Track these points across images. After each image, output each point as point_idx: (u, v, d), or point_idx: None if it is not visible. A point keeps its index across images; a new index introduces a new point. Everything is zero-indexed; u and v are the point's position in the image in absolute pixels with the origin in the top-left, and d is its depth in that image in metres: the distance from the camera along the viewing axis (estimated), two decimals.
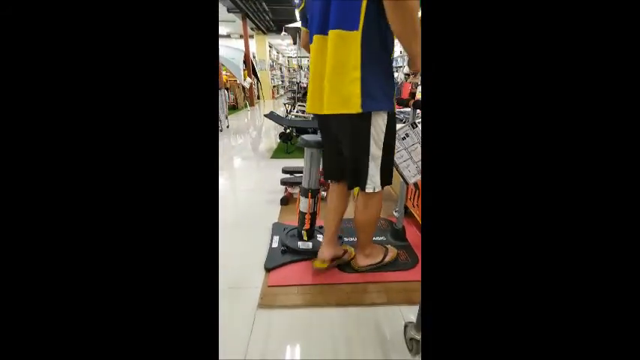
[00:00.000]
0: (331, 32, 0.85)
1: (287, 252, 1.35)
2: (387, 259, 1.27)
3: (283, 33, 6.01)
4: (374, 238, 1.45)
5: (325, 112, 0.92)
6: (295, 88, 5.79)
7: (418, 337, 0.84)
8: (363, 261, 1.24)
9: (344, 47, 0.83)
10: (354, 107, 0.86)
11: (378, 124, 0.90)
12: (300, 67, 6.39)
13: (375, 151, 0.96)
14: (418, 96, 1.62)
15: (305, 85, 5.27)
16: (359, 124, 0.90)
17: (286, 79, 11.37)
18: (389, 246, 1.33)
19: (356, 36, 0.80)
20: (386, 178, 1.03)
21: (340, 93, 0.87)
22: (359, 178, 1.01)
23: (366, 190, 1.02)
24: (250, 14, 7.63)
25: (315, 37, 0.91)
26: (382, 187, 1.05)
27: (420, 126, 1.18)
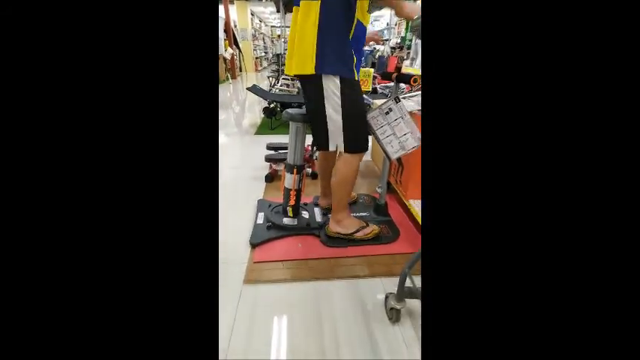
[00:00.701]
0: (302, 1, 0.98)
1: (272, 228, 1.36)
2: (360, 234, 1.27)
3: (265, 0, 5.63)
4: (358, 214, 1.49)
5: (293, 72, 1.07)
6: (276, 58, 5.56)
7: (398, 306, 0.88)
8: (333, 226, 1.29)
9: (307, 15, 0.97)
10: (309, 69, 1.00)
11: (329, 87, 1.01)
12: (279, 37, 6.09)
13: (332, 114, 1.06)
14: (404, 70, 1.59)
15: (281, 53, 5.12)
16: (313, 85, 1.03)
17: (270, 51, 10.85)
18: (371, 224, 1.32)
19: (316, 5, 0.94)
20: (353, 144, 1.10)
21: (300, 56, 1.01)
22: (320, 138, 1.14)
23: (330, 149, 1.12)
24: None
25: (294, 7, 1.04)
26: (348, 152, 1.10)
27: (402, 101, 1.16)
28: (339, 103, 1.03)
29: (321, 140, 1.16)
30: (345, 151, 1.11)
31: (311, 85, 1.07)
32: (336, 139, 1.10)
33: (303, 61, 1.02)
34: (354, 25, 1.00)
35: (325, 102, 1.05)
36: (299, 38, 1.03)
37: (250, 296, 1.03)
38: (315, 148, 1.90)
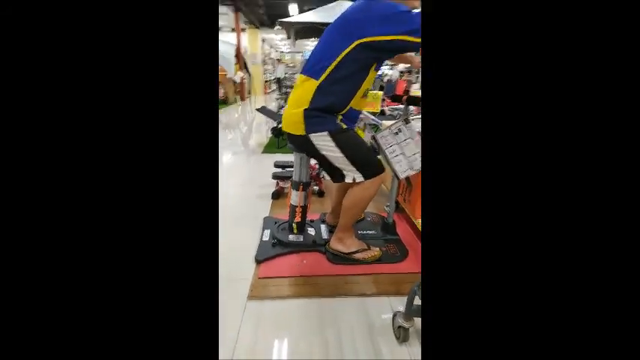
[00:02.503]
0: (300, 75, 1.12)
1: (278, 245, 1.35)
2: (359, 255, 1.26)
3: (277, 27, 5.95)
4: (366, 232, 1.48)
5: (284, 129, 1.19)
6: (277, 82, 5.77)
7: (406, 325, 0.86)
8: (334, 244, 1.29)
9: (304, 88, 1.08)
10: (300, 130, 1.10)
11: (319, 142, 1.11)
12: (279, 61, 6.33)
13: (334, 157, 1.12)
14: (412, 93, 1.64)
15: (283, 78, 5.32)
16: (304, 142, 1.13)
17: (272, 75, 11.25)
18: (374, 248, 1.30)
19: (314, 84, 1.05)
20: (367, 171, 1.13)
21: (292, 119, 1.12)
22: (335, 176, 1.20)
23: (347, 180, 1.15)
24: (242, 7, 7.51)
25: (300, 74, 1.17)
26: (366, 178, 1.13)
27: (412, 122, 1.20)
28: (337, 149, 1.09)
29: (337, 177, 1.19)
30: (366, 179, 1.13)
31: (301, 142, 1.14)
32: (352, 173, 1.13)
33: (294, 121, 1.10)
34: (347, 108, 1.10)
35: (322, 152, 1.12)
36: (293, 101, 1.12)
37: (254, 312, 1.00)
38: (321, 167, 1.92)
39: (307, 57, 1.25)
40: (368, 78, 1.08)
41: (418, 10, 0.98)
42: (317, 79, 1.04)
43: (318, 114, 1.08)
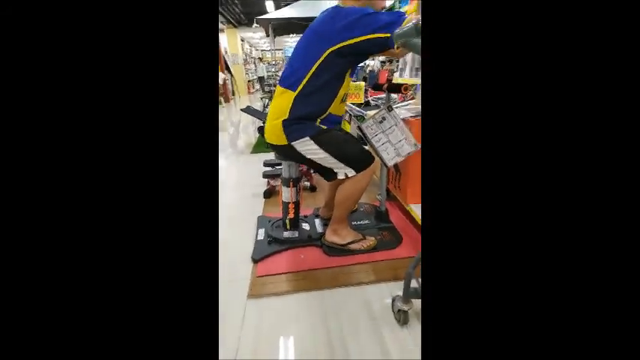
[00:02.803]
0: (278, 87, 1.15)
1: (273, 242, 1.36)
2: (355, 246, 1.27)
3: (255, 25, 5.87)
4: (360, 222, 1.49)
5: (267, 140, 1.21)
6: (256, 79, 5.73)
7: (405, 308, 0.88)
8: (329, 236, 1.31)
9: (282, 99, 1.10)
10: (282, 141, 1.12)
11: (303, 147, 1.12)
12: (261, 59, 6.27)
13: (321, 158, 1.12)
14: (395, 81, 1.65)
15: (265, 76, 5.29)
16: (288, 151, 1.15)
17: (254, 74, 11.15)
18: (369, 237, 1.31)
19: (292, 95, 1.07)
20: (358, 165, 1.14)
21: (272, 131, 1.14)
22: (327, 175, 1.20)
23: (339, 177, 1.16)
24: (219, 7, 7.37)
25: (277, 85, 1.18)
26: (358, 172, 1.14)
27: (395, 109, 1.20)
28: (321, 150, 1.11)
29: (329, 176, 1.20)
30: (357, 172, 1.14)
31: (286, 151, 1.16)
32: (342, 169, 1.14)
33: (275, 135, 1.13)
34: (326, 115, 1.11)
35: (308, 157, 1.13)
36: (272, 112, 1.14)
37: (255, 310, 1.01)
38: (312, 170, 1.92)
39: (288, 54, 1.25)
40: (344, 85, 1.10)
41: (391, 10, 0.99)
42: (294, 90, 1.07)
43: (296, 122, 1.10)
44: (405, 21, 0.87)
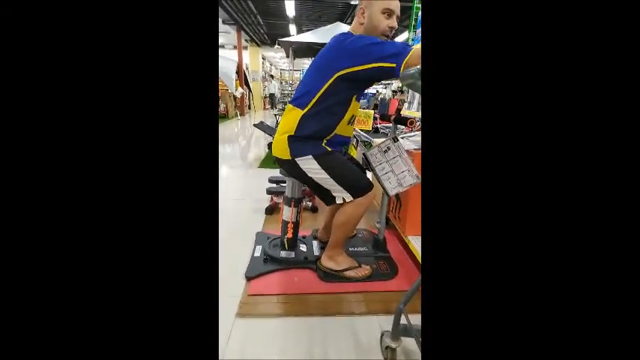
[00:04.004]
0: (288, 105, 1.19)
1: (269, 261, 1.35)
2: (351, 273, 1.26)
3: (276, 46, 6.14)
4: (357, 249, 1.48)
5: (273, 154, 1.24)
6: (270, 98, 5.89)
7: (393, 345, 0.85)
8: (325, 261, 1.30)
9: (290, 116, 1.15)
10: (286, 155, 1.16)
11: (305, 166, 1.15)
12: (272, 77, 6.45)
13: (322, 179, 1.15)
14: (404, 113, 1.69)
15: (278, 95, 5.44)
16: (291, 166, 1.18)
17: (279, 91, 11.53)
18: (364, 265, 1.30)
19: (300, 113, 1.12)
20: (355, 191, 1.16)
21: (279, 145, 1.18)
22: (325, 198, 1.23)
23: (337, 202, 1.18)
24: (245, 26, 7.76)
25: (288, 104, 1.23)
26: (355, 197, 1.15)
27: (400, 140, 1.23)
28: (322, 171, 1.14)
29: (327, 200, 1.22)
30: (354, 198, 1.15)
31: (289, 166, 1.19)
32: (340, 194, 1.16)
33: (281, 147, 1.16)
34: (332, 135, 1.15)
35: (309, 175, 1.16)
36: (281, 127, 1.18)
37: (242, 330, 0.99)
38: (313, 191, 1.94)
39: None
40: (351, 108, 1.14)
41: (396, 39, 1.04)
42: (302, 109, 1.12)
43: (302, 139, 1.14)
44: (410, 52, 0.89)
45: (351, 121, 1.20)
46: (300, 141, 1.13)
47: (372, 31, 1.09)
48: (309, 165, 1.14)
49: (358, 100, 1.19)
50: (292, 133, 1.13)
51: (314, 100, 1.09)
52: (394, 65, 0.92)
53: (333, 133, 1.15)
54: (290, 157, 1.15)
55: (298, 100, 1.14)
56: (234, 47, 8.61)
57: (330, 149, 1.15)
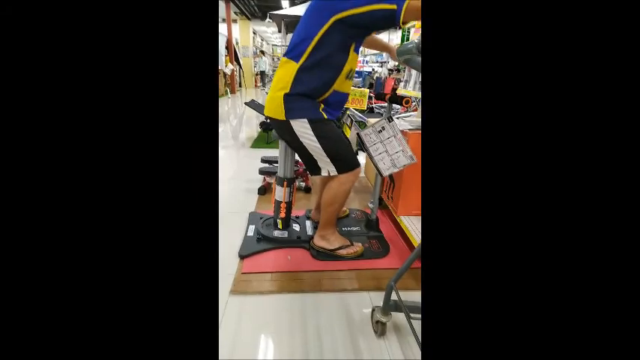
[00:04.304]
0: (282, 57, 1.12)
1: (262, 240, 1.36)
2: (343, 252, 1.27)
3: (268, 20, 5.86)
4: (350, 228, 1.50)
5: (265, 113, 1.19)
6: (261, 76, 5.72)
7: (384, 319, 0.88)
8: (317, 240, 1.31)
9: (285, 70, 1.08)
10: (280, 115, 1.10)
11: (299, 129, 1.10)
12: (263, 53, 6.22)
13: (312, 146, 1.12)
14: (400, 92, 1.66)
15: (268, 73, 5.30)
16: (284, 127, 1.12)
17: (270, 68, 11.16)
18: (356, 243, 1.32)
19: (295, 66, 1.05)
20: (341, 165, 1.14)
21: (273, 103, 1.11)
22: (310, 167, 1.20)
23: (322, 174, 1.17)
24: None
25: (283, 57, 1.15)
26: (340, 173, 1.14)
27: (395, 120, 1.21)
28: (314, 138, 1.10)
29: (312, 168, 1.20)
30: (339, 173, 1.14)
31: (282, 127, 1.14)
32: (326, 166, 1.15)
33: (274, 108, 1.10)
34: (330, 92, 1.09)
35: (301, 139, 1.12)
36: (274, 83, 1.12)
37: (236, 307, 1.01)
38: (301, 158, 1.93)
39: None
40: (349, 59, 1.07)
41: None
42: (297, 61, 1.04)
43: (298, 99, 1.07)
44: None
45: (349, 75, 1.14)
46: (296, 100, 1.07)
47: None
48: (303, 129, 1.10)
49: (357, 50, 1.11)
50: (288, 91, 1.07)
51: (309, 49, 1.01)
52: (394, 7, 0.86)
53: (331, 89, 1.09)
54: (284, 119, 1.10)
55: (292, 52, 1.06)
56: (223, 20, 8.20)
57: (326, 116, 1.11)
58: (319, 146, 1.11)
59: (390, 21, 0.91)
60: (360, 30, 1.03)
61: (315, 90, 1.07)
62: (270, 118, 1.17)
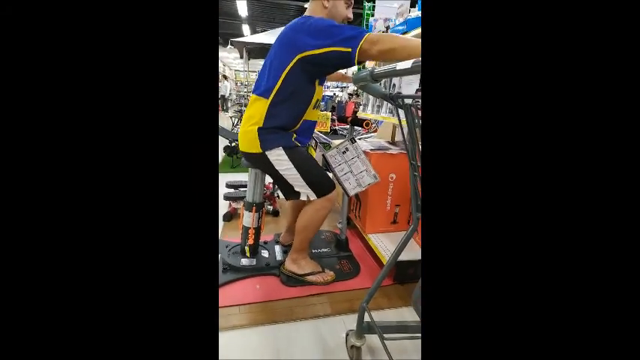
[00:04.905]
0: (252, 95, 1.16)
1: (229, 270, 1.29)
2: (313, 278, 1.25)
3: (229, 46, 5.93)
4: (320, 250, 1.48)
5: (240, 149, 1.21)
6: (222, 100, 5.73)
7: (358, 343, 0.86)
8: (289, 264, 1.29)
9: (256, 107, 1.12)
10: (256, 148, 1.12)
11: (275, 157, 1.13)
12: (225, 77, 6.29)
13: (288, 173, 1.14)
14: (360, 115, 1.73)
15: (231, 97, 5.35)
16: (260, 159, 1.15)
17: (233, 93, 11.14)
18: (328, 271, 1.29)
19: (265, 102, 1.09)
20: (319, 190, 1.16)
21: (247, 137, 1.14)
22: (288, 193, 1.21)
23: (301, 198, 1.17)
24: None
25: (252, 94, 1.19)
26: (318, 197, 1.15)
27: (358, 141, 1.26)
28: (291, 165, 1.12)
29: (291, 194, 1.20)
30: (318, 197, 1.15)
31: (258, 160, 1.16)
32: (304, 190, 1.16)
33: (249, 139, 1.13)
34: (301, 119, 1.14)
35: (277, 168, 1.14)
36: (246, 119, 1.14)
37: None
38: (276, 186, 1.91)
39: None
40: (316, 92, 1.14)
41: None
42: (267, 97, 1.09)
43: (272, 131, 1.11)
44: (365, 37, 0.90)
45: (316, 105, 1.20)
46: (270, 133, 1.10)
47: (333, 18, 1.11)
48: (279, 157, 1.11)
49: (321, 83, 1.18)
50: (261, 125, 1.09)
51: (277, 86, 1.06)
52: (349, 50, 0.93)
53: (301, 121, 1.14)
54: (260, 151, 1.11)
55: (261, 89, 1.11)
56: None
57: (299, 144, 1.15)
58: (296, 172, 1.12)
59: (345, 62, 0.98)
60: (322, 68, 1.10)
61: (287, 123, 1.12)
62: (244, 154, 1.18)
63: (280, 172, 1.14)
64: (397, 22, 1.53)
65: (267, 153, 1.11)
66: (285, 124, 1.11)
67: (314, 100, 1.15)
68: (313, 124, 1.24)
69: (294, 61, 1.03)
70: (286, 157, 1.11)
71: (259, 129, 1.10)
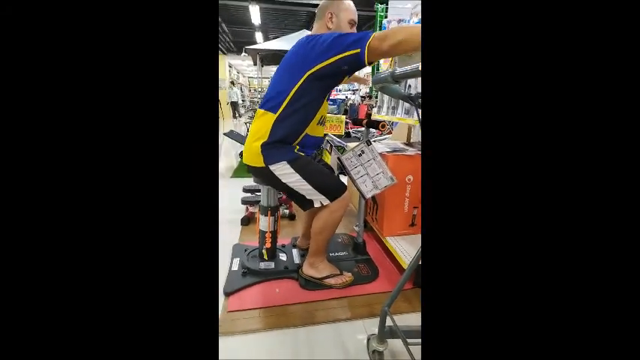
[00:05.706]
0: (259, 110, 1.18)
1: (248, 274, 1.30)
2: (331, 281, 1.25)
3: (243, 54, 6.06)
4: (337, 253, 1.47)
5: (245, 161, 1.22)
6: (232, 106, 5.83)
7: (380, 348, 0.85)
8: (306, 269, 1.28)
9: (262, 122, 1.14)
10: (260, 163, 1.13)
11: (280, 171, 1.13)
12: (233, 84, 6.40)
13: (297, 184, 1.14)
14: (374, 117, 1.73)
15: (244, 104, 5.45)
16: (265, 173, 1.16)
17: (247, 99, 11.36)
18: (346, 273, 1.29)
19: (272, 117, 1.11)
20: (330, 193, 1.16)
21: (251, 152, 1.16)
22: (302, 203, 1.21)
23: (315, 205, 1.17)
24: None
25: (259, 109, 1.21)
26: (331, 200, 1.15)
27: (373, 144, 1.25)
28: (297, 176, 1.13)
29: (304, 205, 1.20)
30: (331, 201, 1.15)
31: (263, 173, 1.17)
32: (317, 197, 1.16)
33: (252, 156, 1.15)
34: (303, 135, 1.15)
35: (284, 181, 1.14)
36: (252, 134, 1.16)
37: (223, 350, 0.94)
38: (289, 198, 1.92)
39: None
40: (321, 107, 1.15)
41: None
42: (274, 112, 1.11)
43: (275, 146, 1.12)
44: (372, 35, 0.92)
45: (321, 121, 1.21)
46: (273, 147, 1.12)
47: None
48: (284, 171, 1.12)
49: (328, 99, 1.21)
50: (265, 139, 1.11)
51: (286, 102, 1.08)
52: (358, 50, 0.94)
53: (304, 133, 1.15)
54: (264, 165, 1.13)
55: (269, 104, 1.13)
56: None
57: (302, 154, 1.15)
58: (304, 182, 1.13)
59: (355, 64, 0.99)
60: (332, 78, 1.11)
61: (288, 135, 1.13)
62: (250, 167, 1.20)
63: (289, 185, 1.15)
64: (412, 22, 1.52)
65: (270, 167, 1.13)
66: (286, 135, 1.12)
67: (318, 116, 1.16)
68: (318, 140, 1.25)
69: (304, 78, 1.05)
70: (291, 170, 1.12)
71: (262, 144, 1.11)
